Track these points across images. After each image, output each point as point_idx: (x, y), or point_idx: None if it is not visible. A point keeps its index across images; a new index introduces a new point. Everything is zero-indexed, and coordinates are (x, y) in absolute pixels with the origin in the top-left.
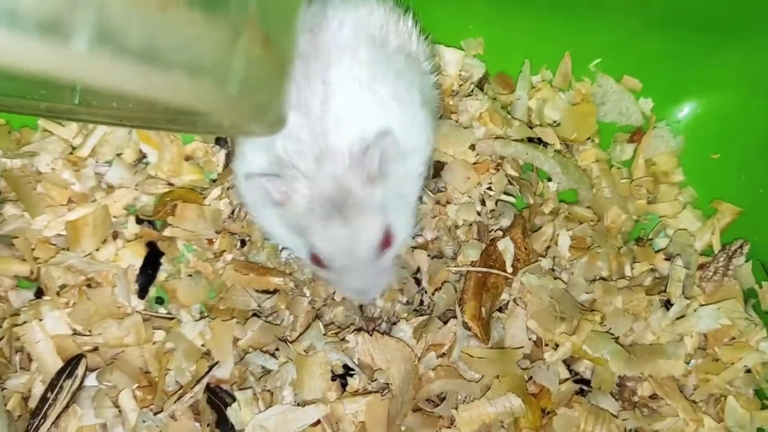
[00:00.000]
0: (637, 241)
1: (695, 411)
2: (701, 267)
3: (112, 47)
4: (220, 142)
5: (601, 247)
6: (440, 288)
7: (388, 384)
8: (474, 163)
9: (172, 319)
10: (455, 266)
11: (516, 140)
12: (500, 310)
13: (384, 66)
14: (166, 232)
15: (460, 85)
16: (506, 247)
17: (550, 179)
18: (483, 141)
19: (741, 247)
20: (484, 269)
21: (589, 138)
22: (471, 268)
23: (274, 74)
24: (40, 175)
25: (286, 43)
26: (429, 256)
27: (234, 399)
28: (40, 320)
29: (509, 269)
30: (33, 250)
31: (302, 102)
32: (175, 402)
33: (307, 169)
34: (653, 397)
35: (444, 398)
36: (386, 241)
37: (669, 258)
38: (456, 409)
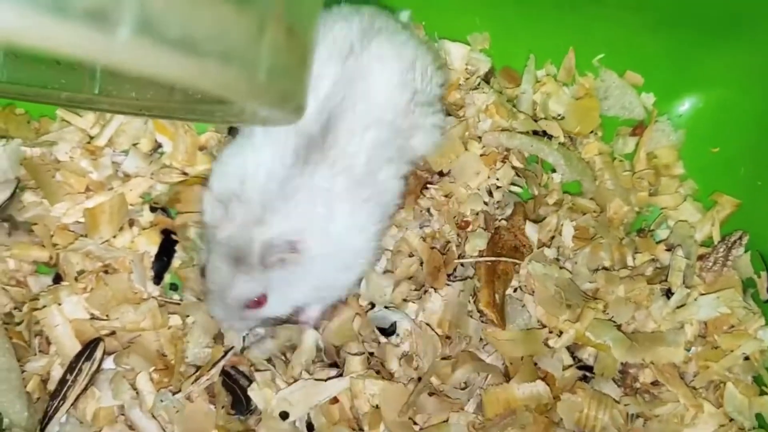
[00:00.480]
0: (639, 232)
1: (695, 397)
2: (701, 257)
3: (153, 37)
4: (232, 131)
5: (603, 238)
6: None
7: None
8: (481, 155)
9: None
10: (467, 256)
11: (521, 132)
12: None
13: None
14: (178, 221)
15: (467, 79)
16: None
17: (554, 171)
18: (489, 133)
19: (740, 238)
20: (493, 258)
21: (592, 131)
22: (480, 259)
23: (297, 64)
24: (58, 163)
25: (308, 34)
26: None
27: (250, 381)
28: (59, 305)
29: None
30: (52, 236)
31: (290, 172)
32: (192, 383)
33: (243, 221)
34: (654, 383)
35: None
36: (255, 304)
37: (670, 249)
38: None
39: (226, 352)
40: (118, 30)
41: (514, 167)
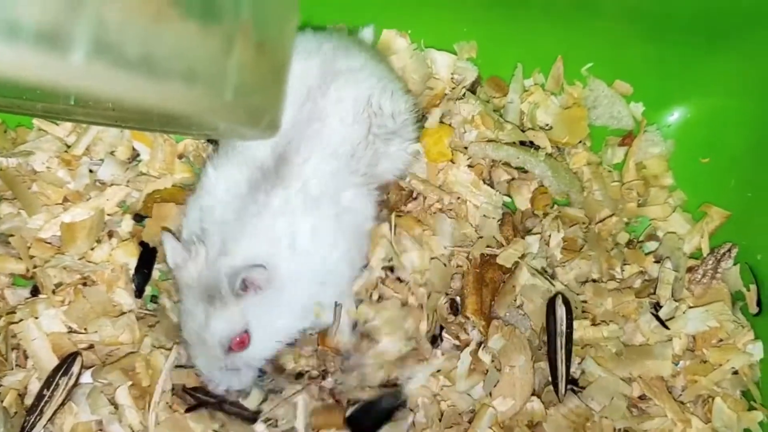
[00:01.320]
0: (628, 243)
1: (683, 411)
2: (690, 270)
3: (109, 58)
4: (212, 142)
5: (592, 250)
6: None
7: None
8: (468, 166)
9: None
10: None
11: (508, 143)
12: None
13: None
14: (145, 233)
15: (453, 89)
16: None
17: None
18: (475, 144)
19: (729, 250)
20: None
21: (580, 141)
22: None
23: (268, 80)
24: (35, 174)
25: (280, 49)
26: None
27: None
28: (36, 318)
29: None
30: (29, 248)
31: (246, 202)
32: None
33: (207, 256)
34: (642, 397)
35: None
36: (239, 344)
37: (658, 261)
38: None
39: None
40: (71, 53)
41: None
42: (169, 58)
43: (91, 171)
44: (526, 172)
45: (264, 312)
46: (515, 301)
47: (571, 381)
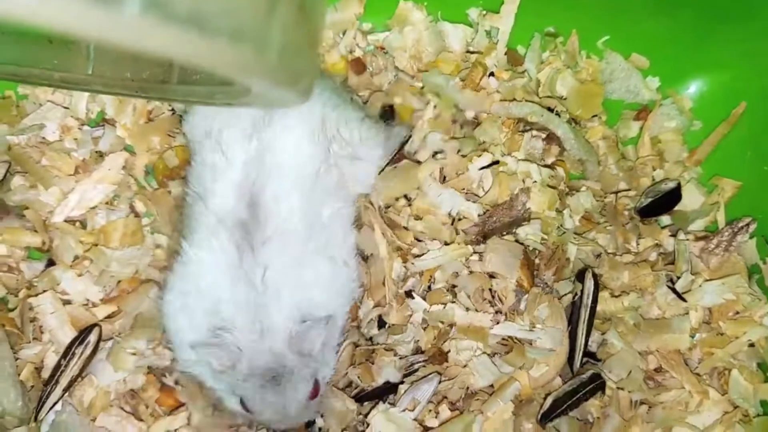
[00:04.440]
0: (643, 217)
1: (700, 384)
2: (704, 239)
3: (161, 13)
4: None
5: (609, 223)
6: None
7: None
8: None
9: None
10: None
11: (530, 102)
12: None
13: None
14: None
15: (466, 62)
16: None
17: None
18: (498, 104)
19: (747, 225)
20: None
21: (595, 115)
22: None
23: (308, 41)
24: (47, 146)
25: (318, 11)
26: None
27: None
28: (54, 291)
29: None
30: (44, 221)
31: (244, 268)
32: None
33: (248, 342)
34: (658, 370)
35: None
36: (314, 393)
37: (674, 234)
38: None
39: None
40: (125, 6)
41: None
42: (217, 15)
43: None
44: (546, 139)
45: (324, 350)
46: (554, 274)
47: (589, 354)
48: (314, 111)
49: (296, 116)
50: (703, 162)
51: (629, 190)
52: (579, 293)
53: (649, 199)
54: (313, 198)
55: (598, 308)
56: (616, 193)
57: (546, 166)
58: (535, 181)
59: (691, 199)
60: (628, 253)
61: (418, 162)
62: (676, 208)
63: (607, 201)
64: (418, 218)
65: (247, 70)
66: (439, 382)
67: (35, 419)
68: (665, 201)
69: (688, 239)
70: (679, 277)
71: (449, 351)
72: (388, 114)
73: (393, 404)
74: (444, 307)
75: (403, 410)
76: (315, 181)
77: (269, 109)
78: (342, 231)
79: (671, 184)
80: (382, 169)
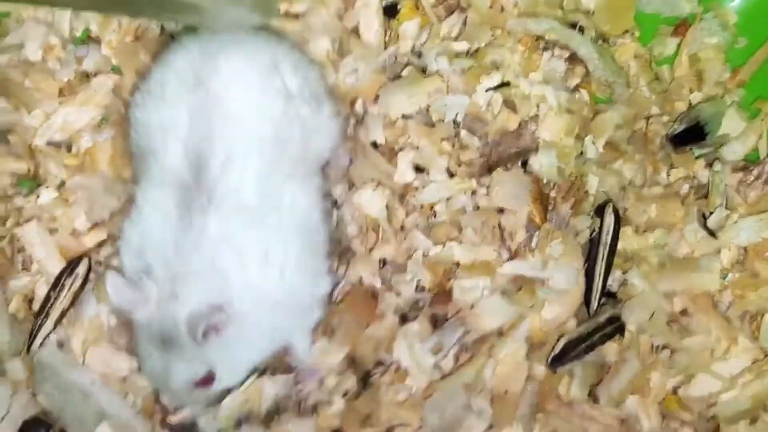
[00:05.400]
0: (676, 146)
1: (729, 329)
2: (743, 170)
3: None
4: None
5: (637, 152)
6: None
7: None
8: None
9: None
10: None
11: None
12: None
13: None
14: None
15: None
16: None
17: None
18: (515, 20)
19: None
20: None
21: (626, 31)
22: None
23: None
24: (29, 66)
25: None
26: None
27: None
28: (39, 219)
29: None
30: (30, 147)
31: (180, 230)
32: None
33: (156, 298)
34: (684, 313)
35: None
36: (204, 382)
37: (709, 165)
38: None
39: None
40: None
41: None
42: None
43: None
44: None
45: (227, 350)
46: (571, 208)
47: (609, 295)
48: (264, 52)
49: (243, 59)
50: (746, 83)
51: (662, 115)
52: (598, 229)
53: (684, 126)
54: (272, 168)
55: (620, 245)
56: (648, 118)
57: (566, 89)
58: (552, 106)
59: (731, 125)
60: (657, 185)
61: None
62: (714, 134)
63: (636, 127)
64: (415, 148)
65: None
66: (465, 332)
67: (27, 351)
68: (702, 127)
69: (724, 170)
70: (712, 213)
71: (453, 291)
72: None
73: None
74: (447, 244)
75: (427, 351)
76: (275, 144)
77: (217, 46)
78: (303, 225)
79: (709, 109)
80: None
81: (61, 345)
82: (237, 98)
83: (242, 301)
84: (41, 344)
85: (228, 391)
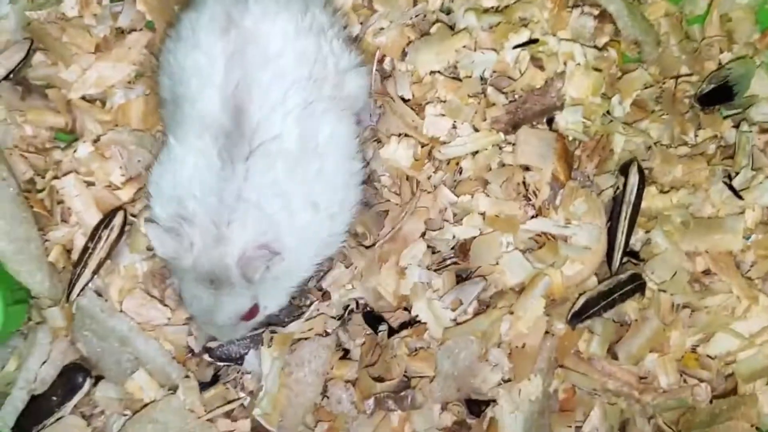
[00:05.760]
0: (704, 107)
1: (750, 288)
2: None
3: None
4: None
5: (665, 111)
6: None
7: None
8: None
9: None
10: None
11: None
12: None
13: (308, 166)
14: None
15: None
16: None
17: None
18: None
19: None
20: None
21: None
22: None
23: None
24: (66, 22)
25: None
26: None
27: None
28: (77, 173)
29: None
30: (68, 101)
31: (223, 177)
32: None
33: (201, 242)
34: (706, 272)
35: None
36: (250, 315)
37: (737, 125)
38: None
39: None
40: None
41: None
42: None
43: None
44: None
45: (273, 283)
46: (596, 166)
47: (632, 254)
48: None
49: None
50: None
51: (691, 74)
52: (622, 188)
53: (712, 85)
54: (310, 109)
55: (644, 205)
56: (676, 78)
57: (595, 47)
58: (579, 64)
59: (759, 86)
60: (683, 145)
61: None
62: (743, 95)
63: (665, 87)
64: (442, 101)
65: None
66: (485, 287)
67: (67, 300)
68: (730, 87)
69: (752, 131)
70: (737, 173)
71: (475, 246)
72: None
73: (440, 297)
74: (472, 197)
75: (446, 307)
76: (311, 84)
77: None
78: (339, 169)
79: (739, 69)
80: None
81: (99, 294)
82: (270, 37)
83: (291, 240)
84: (80, 293)
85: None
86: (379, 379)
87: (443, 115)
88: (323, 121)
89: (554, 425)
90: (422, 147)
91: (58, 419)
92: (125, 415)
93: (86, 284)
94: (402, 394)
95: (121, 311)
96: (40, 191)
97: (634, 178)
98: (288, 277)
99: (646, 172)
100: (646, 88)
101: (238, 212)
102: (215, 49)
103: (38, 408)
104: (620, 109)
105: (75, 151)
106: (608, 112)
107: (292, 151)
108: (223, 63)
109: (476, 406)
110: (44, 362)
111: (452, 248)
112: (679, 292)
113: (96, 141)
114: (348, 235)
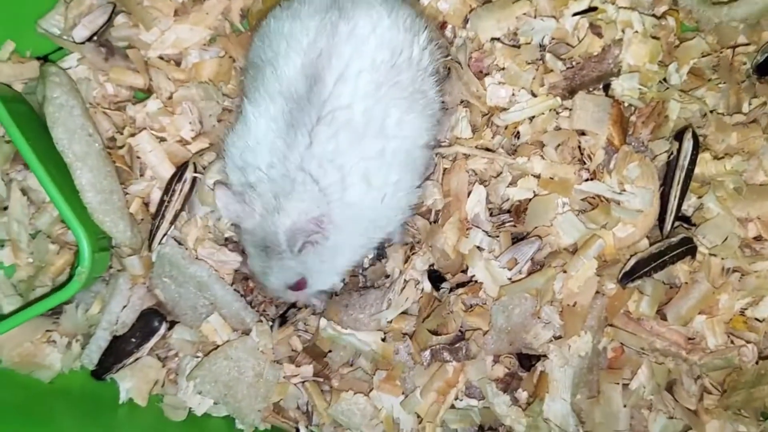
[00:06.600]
0: (760, 77)
1: None
2: None
3: None
4: None
5: (722, 80)
6: None
7: None
8: None
9: None
10: None
11: None
12: None
13: (370, 144)
14: None
15: None
16: None
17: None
18: None
19: None
20: None
21: None
22: None
23: None
24: None
25: None
26: None
27: None
28: (149, 129)
29: None
30: (146, 62)
31: (287, 144)
32: None
33: (261, 211)
34: (758, 238)
35: None
36: (298, 287)
37: None
38: None
39: None
40: None
41: None
42: None
43: None
44: None
45: (321, 260)
46: (651, 132)
47: (683, 218)
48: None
49: None
50: None
51: (749, 44)
52: (676, 153)
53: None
54: (383, 92)
55: (698, 170)
56: (734, 47)
57: (653, 15)
58: (636, 31)
59: None
60: (738, 113)
61: None
62: None
63: (722, 56)
64: (501, 69)
65: None
66: (540, 247)
67: (149, 249)
68: None
69: None
70: None
71: (531, 208)
72: None
73: (497, 257)
74: (528, 159)
75: (503, 267)
76: (388, 69)
77: None
78: (400, 155)
79: None
80: None
81: (179, 242)
82: (362, 19)
83: (340, 218)
84: (161, 242)
85: None
86: (435, 333)
87: (503, 83)
88: (392, 106)
89: (602, 382)
90: (482, 116)
91: (136, 359)
92: (197, 357)
93: (165, 234)
94: (457, 345)
95: (197, 258)
96: (121, 147)
97: (688, 144)
98: (335, 256)
99: (701, 138)
100: (703, 56)
101: (296, 184)
102: (312, 21)
103: (118, 349)
104: (677, 76)
105: (145, 107)
106: (665, 79)
107: (357, 125)
108: (314, 33)
109: (527, 360)
110: (124, 306)
111: (508, 211)
112: (729, 256)
113: (169, 98)
114: (402, 227)
